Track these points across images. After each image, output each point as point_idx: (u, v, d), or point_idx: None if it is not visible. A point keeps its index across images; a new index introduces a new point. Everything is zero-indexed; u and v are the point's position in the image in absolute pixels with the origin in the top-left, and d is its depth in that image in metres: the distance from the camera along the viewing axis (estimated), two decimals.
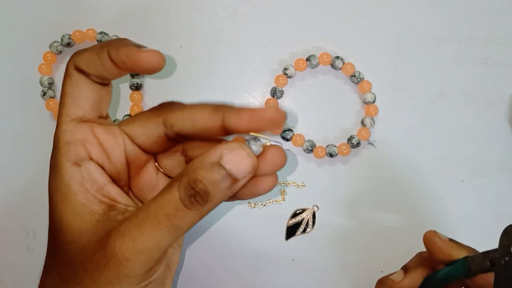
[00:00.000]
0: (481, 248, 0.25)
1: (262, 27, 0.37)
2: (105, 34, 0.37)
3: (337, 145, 0.36)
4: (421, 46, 0.37)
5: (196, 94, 0.37)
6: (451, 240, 0.27)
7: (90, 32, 0.37)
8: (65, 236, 0.22)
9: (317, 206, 0.37)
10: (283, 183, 0.37)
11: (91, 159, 0.23)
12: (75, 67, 0.23)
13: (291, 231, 0.37)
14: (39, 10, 0.38)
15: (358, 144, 0.36)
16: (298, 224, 0.37)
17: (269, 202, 0.37)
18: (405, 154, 0.37)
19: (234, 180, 0.21)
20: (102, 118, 0.25)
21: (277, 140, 0.37)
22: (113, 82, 0.25)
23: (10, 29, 0.38)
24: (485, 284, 0.25)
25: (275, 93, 0.37)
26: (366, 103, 0.36)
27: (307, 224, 0.37)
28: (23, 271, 0.38)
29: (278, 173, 0.24)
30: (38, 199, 0.38)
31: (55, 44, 0.37)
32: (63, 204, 0.22)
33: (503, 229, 0.22)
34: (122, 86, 0.38)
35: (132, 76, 0.37)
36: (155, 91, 0.38)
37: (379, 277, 0.31)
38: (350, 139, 0.36)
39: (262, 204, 0.37)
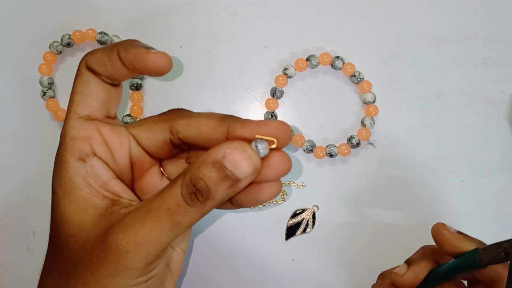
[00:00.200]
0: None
1: (262, 27, 0.37)
2: (105, 34, 0.37)
3: (337, 145, 0.36)
4: (421, 46, 0.37)
5: (196, 94, 0.37)
6: (459, 232, 0.27)
7: (90, 32, 0.37)
8: (65, 230, 0.22)
9: (317, 206, 0.37)
10: (283, 183, 0.37)
11: (95, 155, 0.23)
12: (86, 66, 0.23)
13: (291, 231, 0.37)
14: (39, 10, 0.38)
15: (358, 144, 0.36)
16: (298, 224, 0.37)
17: (269, 203, 0.37)
18: (405, 154, 0.37)
19: (236, 180, 0.21)
20: (110, 118, 0.25)
21: None
22: None
23: (10, 29, 0.38)
24: (494, 275, 0.25)
25: (275, 93, 0.37)
26: (366, 103, 0.36)
27: (307, 224, 0.37)
28: (23, 271, 0.38)
29: None
30: (38, 199, 0.38)
31: (55, 44, 0.37)
32: (66, 198, 0.23)
33: (503, 229, 0.22)
34: (122, 86, 0.38)
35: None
36: (155, 91, 0.38)
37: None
38: (350, 139, 0.36)
39: (262, 204, 0.37)
